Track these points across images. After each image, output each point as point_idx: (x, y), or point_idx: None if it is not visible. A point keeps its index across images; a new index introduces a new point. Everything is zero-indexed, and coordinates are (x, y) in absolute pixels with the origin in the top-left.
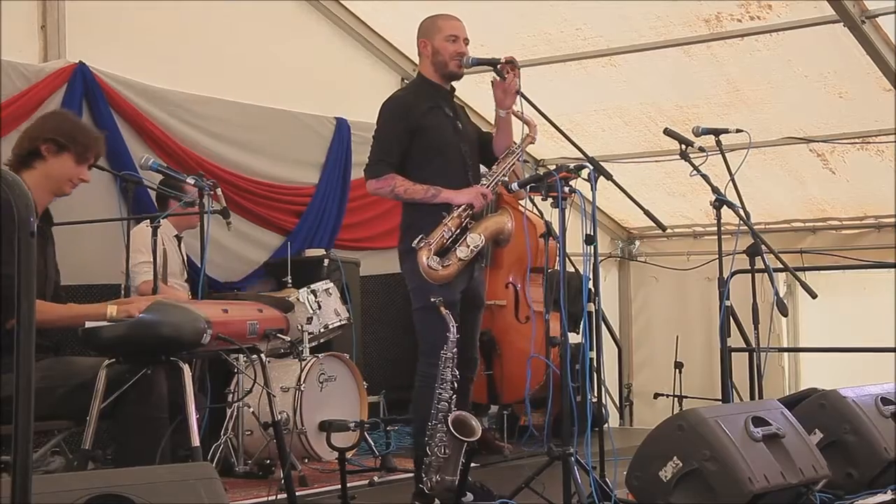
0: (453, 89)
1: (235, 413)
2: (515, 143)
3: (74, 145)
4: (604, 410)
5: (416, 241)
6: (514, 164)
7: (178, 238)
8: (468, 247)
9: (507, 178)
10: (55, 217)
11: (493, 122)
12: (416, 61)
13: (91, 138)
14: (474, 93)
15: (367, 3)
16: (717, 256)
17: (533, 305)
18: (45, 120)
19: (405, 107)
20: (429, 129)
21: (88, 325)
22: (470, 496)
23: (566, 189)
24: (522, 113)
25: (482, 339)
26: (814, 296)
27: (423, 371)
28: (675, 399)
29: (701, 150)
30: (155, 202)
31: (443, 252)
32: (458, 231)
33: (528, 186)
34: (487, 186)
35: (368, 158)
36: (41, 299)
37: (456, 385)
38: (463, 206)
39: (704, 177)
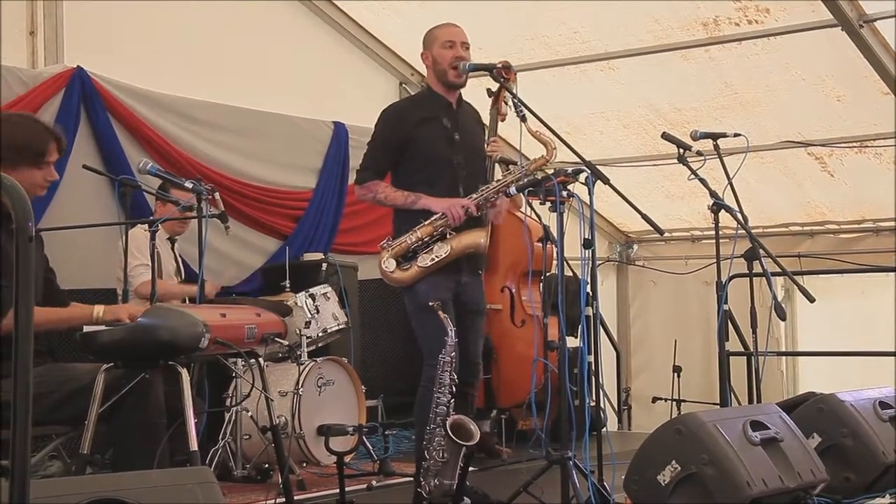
0: (460, 98)
1: (234, 417)
2: (527, 160)
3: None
4: (602, 414)
5: (383, 242)
6: (511, 182)
7: (172, 241)
8: (431, 254)
9: (498, 196)
10: (52, 222)
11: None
12: (415, 66)
13: (38, 139)
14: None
15: (366, 7)
16: (715, 260)
17: (530, 309)
18: None
19: (398, 116)
20: (419, 140)
21: (87, 329)
22: (467, 501)
23: (564, 193)
24: (538, 132)
25: None
26: (812, 300)
27: (424, 374)
28: (674, 403)
29: (699, 153)
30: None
31: (409, 257)
32: (431, 239)
33: (526, 191)
34: (475, 199)
35: (359, 165)
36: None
37: (454, 389)
38: (439, 215)
39: (702, 181)
